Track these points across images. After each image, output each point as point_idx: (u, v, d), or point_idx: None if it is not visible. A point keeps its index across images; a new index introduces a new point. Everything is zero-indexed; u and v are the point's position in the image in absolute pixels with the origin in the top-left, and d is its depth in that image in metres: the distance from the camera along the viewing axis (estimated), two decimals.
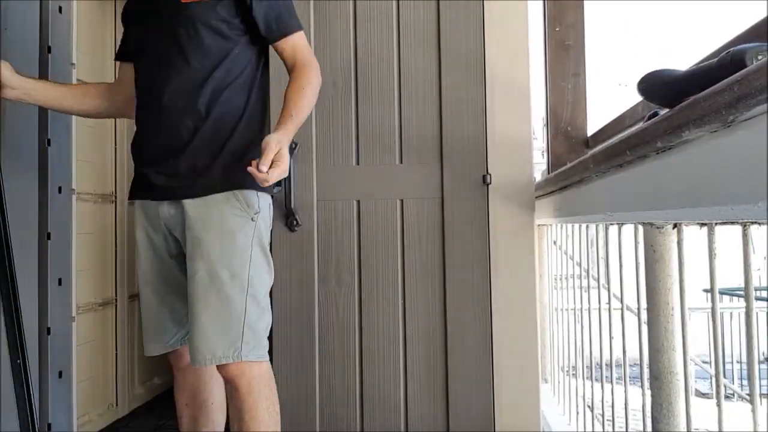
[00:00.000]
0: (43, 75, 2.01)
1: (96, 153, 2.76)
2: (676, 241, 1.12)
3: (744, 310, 0.97)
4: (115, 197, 2.88)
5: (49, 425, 2.09)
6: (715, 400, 0.98)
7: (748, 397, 1.92)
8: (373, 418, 2.01)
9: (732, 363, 5.32)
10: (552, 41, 2.09)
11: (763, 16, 0.94)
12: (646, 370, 1.23)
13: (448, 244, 2.02)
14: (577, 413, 1.98)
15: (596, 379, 1.72)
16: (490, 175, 2.02)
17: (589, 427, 1.81)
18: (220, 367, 1.38)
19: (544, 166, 2.22)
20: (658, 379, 1.16)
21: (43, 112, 2.02)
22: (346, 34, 2.07)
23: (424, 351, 2.01)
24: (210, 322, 1.36)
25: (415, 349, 2.02)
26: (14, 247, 1.72)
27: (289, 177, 1.98)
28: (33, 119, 1.98)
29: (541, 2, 2.15)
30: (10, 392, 1.69)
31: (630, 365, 1.43)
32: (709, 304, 1.13)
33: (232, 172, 1.42)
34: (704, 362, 4.64)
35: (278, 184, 2.02)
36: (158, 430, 2.68)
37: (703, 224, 0.99)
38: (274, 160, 1.25)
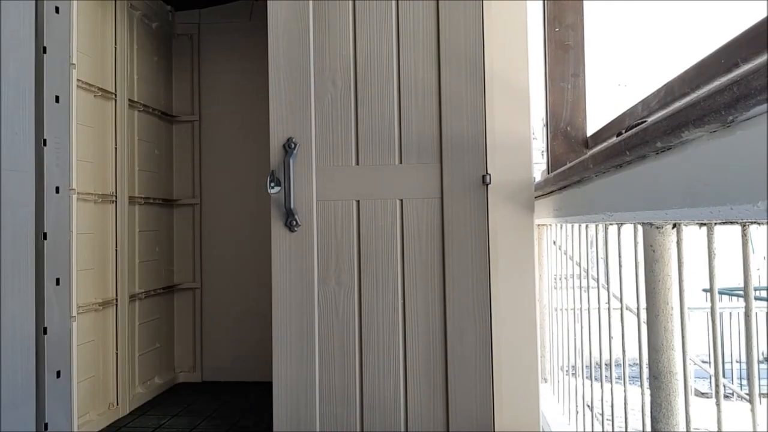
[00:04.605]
0: (38, 75, 2.02)
1: (96, 153, 2.76)
2: (675, 241, 1.12)
3: (743, 309, 0.97)
4: (115, 197, 2.88)
5: (46, 425, 2.09)
6: (714, 400, 0.98)
7: (747, 397, 1.92)
8: (373, 418, 2.01)
9: (731, 363, 5.32)
10: (552, 41, 2.09)
11: (762, 16, 0.94)
12: (645, 370, 1.23)
13: (447, 244, 2.02)
14: (577, 413, 1.98)
15: (596, 379, 1.72)
16: (490, 175, 2.02)
17: (588, 427, 1.81)
18: None
19: (544, 166, 2.22)
20: (657, 378, 1.16)
21: (39, 112, 2.02)
22: (346, 34, 2.07)
23: (424, 351, 2.01)
24: None
25: (415, 349, 2.02)
26: (9, 248, 1.72)
27: (288, 177, 1.99)
28: (30, 120, 1.98)
29: (541, 2, 2.15)
30: (10, 392, 1.68)
31: (629, 365, 1.43)
32: (709, 304, 1.13)
33: None
34: (704, 362, 4.65)
35: (278, 184, 2.02)
36: (158, 430, 2.68)
37: (702, 224, 0.99)
38: None
